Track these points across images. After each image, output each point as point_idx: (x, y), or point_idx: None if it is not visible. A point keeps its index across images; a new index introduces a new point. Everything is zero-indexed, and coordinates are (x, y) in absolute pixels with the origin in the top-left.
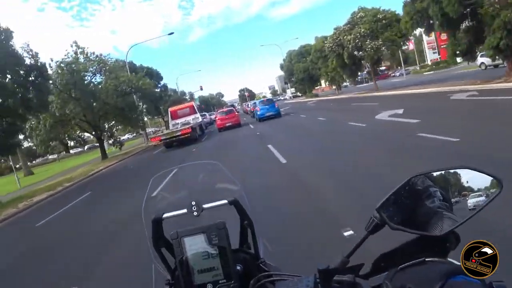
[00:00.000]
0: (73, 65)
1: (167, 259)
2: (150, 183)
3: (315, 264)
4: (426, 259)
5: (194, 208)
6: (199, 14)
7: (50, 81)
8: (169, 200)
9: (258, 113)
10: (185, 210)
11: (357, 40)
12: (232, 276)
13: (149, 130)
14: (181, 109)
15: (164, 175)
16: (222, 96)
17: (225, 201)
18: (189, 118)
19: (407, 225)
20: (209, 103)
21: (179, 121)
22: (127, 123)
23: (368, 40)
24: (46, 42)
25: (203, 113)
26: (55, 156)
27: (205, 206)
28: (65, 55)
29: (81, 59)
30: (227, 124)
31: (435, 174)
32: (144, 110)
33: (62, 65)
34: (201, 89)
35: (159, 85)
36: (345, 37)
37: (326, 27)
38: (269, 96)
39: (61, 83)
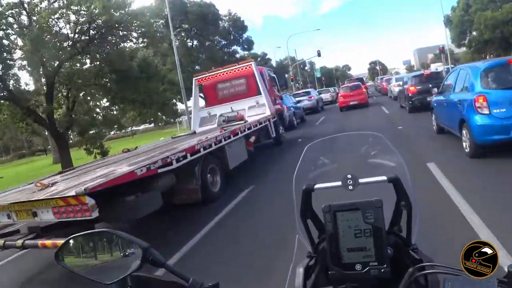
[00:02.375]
0: None
1: (311, 232)
2: (305, 151)
3: None
4: None
5: (350, 182)
6: None
7: None
8: (322, 170)
9: None
10: (339, 183)
11: None
12: (384, 260)
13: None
14: (225, 80)
15: (322, 143)
16: (349, 69)
17: (384, 178)
18: (245, 106)
19: None
20: (333, 76)
21: (218, 109)
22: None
23: None
24: None
25: (303, 91)
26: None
27: (362, 180)
28: None
29: None
30: (351, 103)
31: None
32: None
33: None
34: (319, 54)
35: (240, 38)
36: None
37: None
38: (403, 72)
39: None
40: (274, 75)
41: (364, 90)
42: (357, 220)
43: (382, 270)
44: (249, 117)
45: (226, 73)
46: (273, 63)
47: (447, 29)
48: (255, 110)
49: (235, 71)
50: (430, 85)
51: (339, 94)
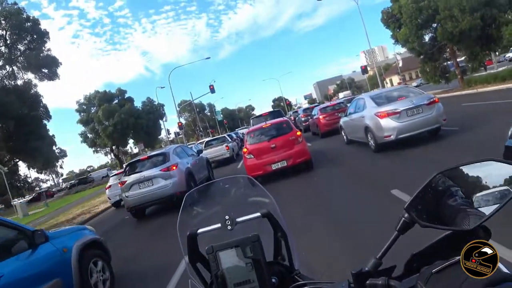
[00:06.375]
0: None
1: (203, 274)
2: (184, 200)
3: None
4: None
5: (228, 222)
6: (227, 31)
7: None
8: (203, 216)
9: None
10: (219, 225)
11: None
12: None
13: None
14: None
15: (198, 191)
16: (253, 109)
17: (258, 214)
18: None
19: (436, 223)
20: (235, 117)
21: None
22: None
23: None
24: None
25: (143, 157)
26: None
27: (239, 219)
28: None
29: None
30: (274, 166)
31: (460, 168)
32: None
33: None
34: (212, 90)
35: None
36: None
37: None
38: (305, 106)
39: None
40: None
41: (298, 132)
42: (238, 256)
43: None
44: None
45: None
46: (137, 104)
47: (387, 29)
48: None
49: None
50: None
51: (246, 149)
